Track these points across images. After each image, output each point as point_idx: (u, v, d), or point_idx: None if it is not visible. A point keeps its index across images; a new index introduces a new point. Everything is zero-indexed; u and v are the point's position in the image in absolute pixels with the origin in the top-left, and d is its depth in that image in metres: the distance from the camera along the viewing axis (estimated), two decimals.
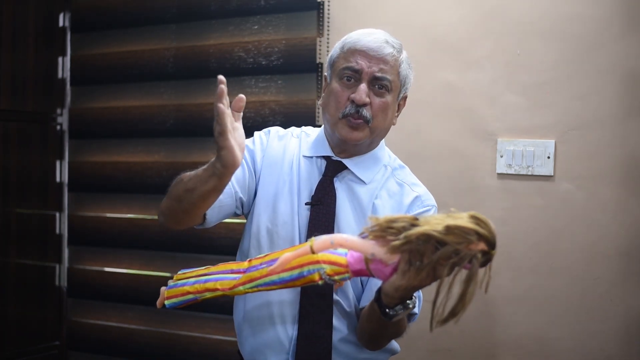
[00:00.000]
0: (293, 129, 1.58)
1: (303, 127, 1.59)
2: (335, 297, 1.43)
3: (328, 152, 1.49)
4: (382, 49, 1.41)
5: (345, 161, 1.48)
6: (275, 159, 1.51)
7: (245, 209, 1.51)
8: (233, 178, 1.40)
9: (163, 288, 1.31)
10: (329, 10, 2.35)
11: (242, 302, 1.51)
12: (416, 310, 1.41)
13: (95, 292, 2.81)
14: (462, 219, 1.02)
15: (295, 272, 1.15)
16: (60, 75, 2.88)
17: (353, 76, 1.41)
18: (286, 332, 1.44)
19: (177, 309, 1.40)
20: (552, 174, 2.06)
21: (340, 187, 1.47)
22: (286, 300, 1.44)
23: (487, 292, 1.03)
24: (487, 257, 1.02)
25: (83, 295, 2.85)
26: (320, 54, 2.37)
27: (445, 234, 1.01)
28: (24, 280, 2.77)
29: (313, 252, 1.12)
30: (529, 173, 2.08)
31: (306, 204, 1.45)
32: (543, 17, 2.06)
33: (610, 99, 1.99)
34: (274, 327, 1.45)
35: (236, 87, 2.53)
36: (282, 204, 1.47)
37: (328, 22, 2.36)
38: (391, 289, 1.12)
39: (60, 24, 2.87)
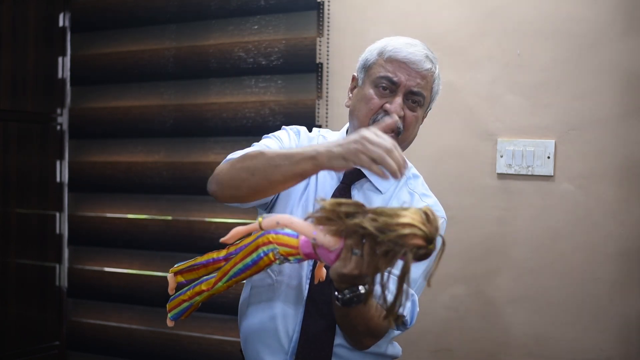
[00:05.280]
0: (314, 131, 1.57)
1: (321, 130, 1.57)
2: None
3: None
4: (422, 63, 1.40)
5: (364, 170, 1.47)
6: None
7: (268, 205, 1.49)
8: None
9: (168, 305, 1.34)
10: (329, 10, 2.35)
11: (247, 298, 1.51)
12: (405, 313, 1.38)
13: (95, 292, 2.81)
14: (407, 213, 1.01)
15: (254, 255, 1.18)
16: (60, 75, 2.88)
17: (389, 87, 1.40)
18: (287, 334, 1.44)
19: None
20: (552, 174, 2.06)
21: (357, 195, 1.46)
22: (291, 303, 1.44)
23: (429, 286, 1.03)
24: (424, 252, 1.01)
25: (83, 295, 2.85)
26: (320, 54, 2.37)
27: (379, 229, 1.00)
28: (24, 280, 2.77)
29: (261, 228, 1.15)
30: (529, 173, 2.08)
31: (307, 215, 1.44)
32: (543, 17, 2.06)
33: (610, 98, 1.99)
34: (275, 329, 1.44)
35: (236, 87, 2.53)
36: (297, 209, 1.45)
37: (328, 22, 2.36)
38: (334, 275, 1.11)
39: (60, 24, 2.87)
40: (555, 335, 2.06)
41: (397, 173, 1.09)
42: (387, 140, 1.12)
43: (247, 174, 1.27)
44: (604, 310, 2.00)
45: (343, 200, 1.06)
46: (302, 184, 1.47)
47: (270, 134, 1.52)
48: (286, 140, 1.50)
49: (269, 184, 1.26)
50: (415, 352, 2.18)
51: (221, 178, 1.34)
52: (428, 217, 1.01)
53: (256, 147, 1.44)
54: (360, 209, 1.04)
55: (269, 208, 1.50)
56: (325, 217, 1.06)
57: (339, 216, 1.04)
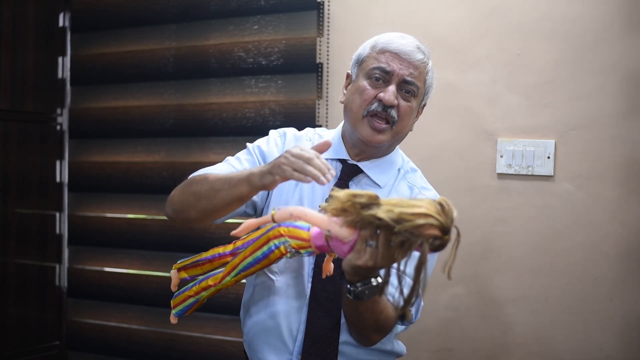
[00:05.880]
0: (307, 130, 1.57)
1: (317, 129, 1.58)
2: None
3: (344, 155, 1.48)
4: (414, 53, 1.42)
5: (362, 165, 1.47)
6: None
7: (258, 210, 1.50)
8: None
9: (172, 301, 1.34)
10: (329, 10, 2.35)
11: (249, 299, 1.51)
12: (412, 309, 1.40)
13: (95, 292, 2.81)
14: (423, 204, 1.01)
15: (265, 248, 1.18)
16: (60, 75, 2.88)
17: (382, 77, 1.41)
18: (291, 333, 1.44)
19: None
20: (552, 174, 2.06)
21: None
22: (293, 301, 1.44)
23: (450, 279, 1.02)
24: (440, 242, 1.01)
25: (83, 295, 2.85)
26: (320, 54, 2.37)
27: (395, 220, 1.00)
28: (24, 280, 2.77)
29: (274, 221, 1.15)
30: (529, 173, 2.08)
31: (320, 206, 1.44)
32: (543, 17, 2.06)
33: (610, 98, 1.99)
34: (279, 328, 1.44)
35: (236, 87, 2.53)
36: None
37: (328, 22, 2.36)
38: (348, 267, 1.12)
39: (60, 24, 2.87)
40: (555, 335, 2.06)
41: (318, 178, 1.15)
42: (309, 152, 1.19)
43: (194, 199, 1.34)
44: (604, 310, 2.00)
45: (357, 191, 1.06)
46: (299, 183, 1.47)
47: (243, 151, 1.53)
48: (264, 146, 1.50)
49: (213, 208, 1.31)
50: (415, 352, 2.18)
51: (174, 203, 1.40)
52: (443, 207, 1.02)
53: (218, 166, 1.46)
54: (374, 200, 1.04)
55: (260, 212, 1.51)
56: (341, 208, 1.06)
57: (355, 207, 1.04)
